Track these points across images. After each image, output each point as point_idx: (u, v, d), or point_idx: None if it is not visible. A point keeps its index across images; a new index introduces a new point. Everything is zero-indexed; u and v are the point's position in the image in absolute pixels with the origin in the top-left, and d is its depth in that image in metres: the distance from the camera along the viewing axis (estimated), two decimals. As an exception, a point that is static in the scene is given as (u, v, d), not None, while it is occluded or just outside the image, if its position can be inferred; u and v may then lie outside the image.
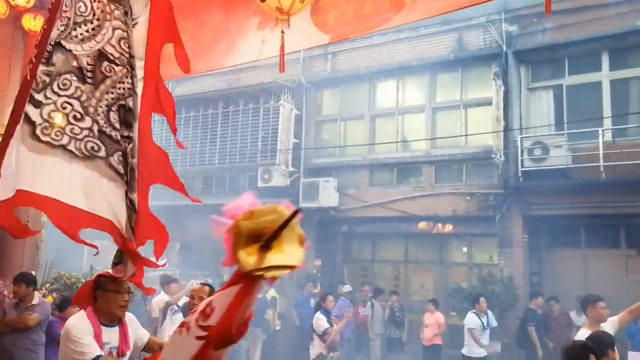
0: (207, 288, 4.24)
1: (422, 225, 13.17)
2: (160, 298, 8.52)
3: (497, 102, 11.69)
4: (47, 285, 7.97)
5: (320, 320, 8.45)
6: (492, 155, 11.45)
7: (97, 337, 3.25)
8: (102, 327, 3.32)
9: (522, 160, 11.26)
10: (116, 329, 3.42)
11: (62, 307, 6.83)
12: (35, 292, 6.36)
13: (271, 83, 14.43)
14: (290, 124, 14.42)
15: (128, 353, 3.44)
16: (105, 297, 3.35)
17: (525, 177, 11.37)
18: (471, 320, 9.67)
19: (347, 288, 11.57)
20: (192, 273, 13.70)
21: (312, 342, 8.53)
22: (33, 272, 7.00)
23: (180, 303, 7.95)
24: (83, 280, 8.60)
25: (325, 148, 14.53)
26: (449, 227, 12.96)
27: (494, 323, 10.52)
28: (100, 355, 3.16)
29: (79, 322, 3.32)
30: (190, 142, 15.99)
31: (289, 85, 14.51)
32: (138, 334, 3.62)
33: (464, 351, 9.62)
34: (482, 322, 9.65)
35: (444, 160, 12.82)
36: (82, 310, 3.44)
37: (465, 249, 13.11)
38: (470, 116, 12.85)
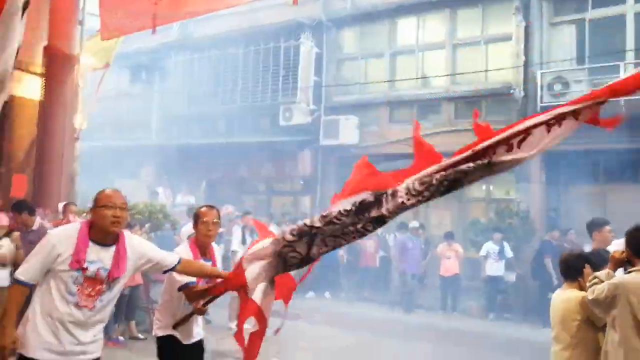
0: (214, 211, 4.06)
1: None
2: (189, 227, 8.98)
3: (517, 38, 11.66)
4: (84, 215, 8.43)
5: None
6: (512, 91, 11.52)
7: (79, 252, 3.08)
8: (91, 244, 3.13)
9: (541, 96, 11.29)
10: (111, 250, 3.20)
11: None
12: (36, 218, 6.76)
13: (291, 21, 14.45)
14: (311, 63, 14.52)
15: (120, 279, 3.23)
16: (96, 212, 3.18)
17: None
18: (488, 246, 10.84)
19: (414, 224, 11.81)
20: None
21: None
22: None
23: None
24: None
25: (345, 86, 14.62)
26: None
27: (510, 254, 10.92)
28: (25, 283, 3.09)
29: (56, 234, 3.21)
30: (212, 81, 16.20)
31: (309, 24, 14.53)
32: (147, 258, 3.40)
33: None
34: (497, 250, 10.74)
35: (464, 97, 12.88)
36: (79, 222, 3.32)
37: (483, 185, 13.32)
38: (490, 52, 12.82)
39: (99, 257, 3.14)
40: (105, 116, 17.49)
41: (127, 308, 8.15)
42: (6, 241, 6.61)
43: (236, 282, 3.40)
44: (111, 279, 3.17)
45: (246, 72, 15.53)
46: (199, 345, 4.07)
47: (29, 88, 8.96)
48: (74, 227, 3.22)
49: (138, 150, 16.67)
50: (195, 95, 16.57)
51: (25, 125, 8.83)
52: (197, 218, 4.04)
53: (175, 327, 3.85)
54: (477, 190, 13.50)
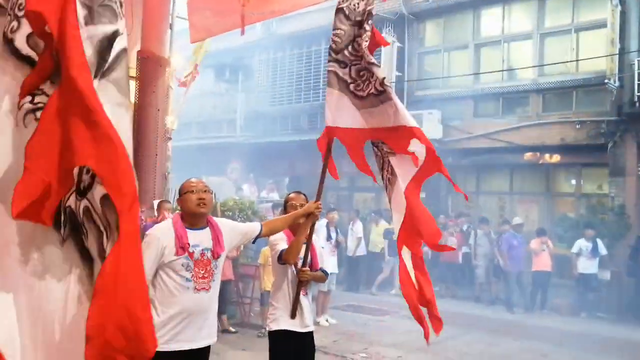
0: (302, 196, 4.27)
1: (528, 155, 12.94)
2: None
3: (612, 24, 11.06)
4: (177, 211, 8.79)
5: None
6: (605, 81, 10.96)
7: (180, 238, 3.27)
8: (187, 230, 3.33)
9: (638, 85, 10.69)
10: (206, 231, 3.42)
11: None
12: None
13: (373, 16, 14.40)
14: (393, 57, 14.40)
15: (223, 254, 3.45)
16: (182, 200, 3.42)
17: (642, 103, 10.81)
18: (580, 243, 10.42)
19: (517, 220, 11.52)
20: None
21: None
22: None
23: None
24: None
25: (428, 80, 14.43)
26: (556, 157, 12.65)
27: (604, 251, 10.44)
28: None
29: (156, 230, 3.42)
30: (295, 79, 16.44)
31: (391, 18, 14.43)
32: (237, 231, 3.63)
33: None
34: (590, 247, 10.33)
35: (553, 88, 12.40)
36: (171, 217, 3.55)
37: (573, 179, 12.81)
38: (582, 40, 12.25)
39: (199, 240, 3.35)
40: (192, 115, 18.18)
41: (219, 302, 8.41)
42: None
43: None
44: (216, 257, 3.39)
45: (328, 69, 15.61)
46: (311, 339, 4.13)
47: (125, 91, 9.41)
48: (168, 221, 3.46)
49: (224, 148, 17.19)
50: (278, 92, 16.88)
51: (122, 126, 9.29)
52: (285, 203, 4.25)
53: (293, 315, 3.95)
54: (565, 185, 13.02)
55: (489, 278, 11.88)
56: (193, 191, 3.37)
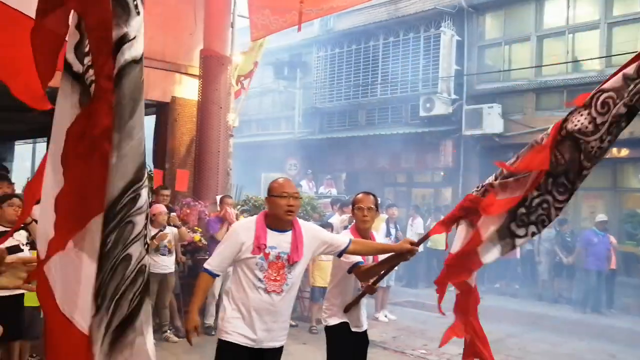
0: (371, 197, 4.05)
1: (594, 150, 12.48)
2: (339, 217, 9.31)
3: (685, 11, 10.55)
4: (238, 207, 8.97)
5: None
6: (679, 71, 10.43)
7: (259, 239, 3.26)
8: (269, 230, 3.30)
9: None
10: (287, 235, 3.35)
11: None
12: None
13: (431, 10, 14.27)
14: (452, 51, 14.21)
15: (299, 262, 3.36)
16: (270, 202, 3.35)
17: None
18: None
19: (601, 217, 11.03)
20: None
21: None
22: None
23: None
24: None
25: (488, 73, 14.14)
26: (624, 151, 12.18)
27: None
28: (211, 273, 3.38)
29: (238, 225, 3.48)
30: (352, 75, 16.44)
31: (450, 11, 14.23)
32: (321, 239, 3.52)
33: None
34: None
35: (621, 80, 11.90)
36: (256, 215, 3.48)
37: (640, 174, 12.32)
38: (653, 29, 11.72)
39: (278, 243, 3.31)
40: (251, 112, 18.47)
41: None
42: (170, 230, 7.19)
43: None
44: (291, 263, 3.33)
45: (386, 64, 15.56)
46: (365, 336, 4.09)
47: (188, 89, 9.68)
48: (252, 218, 3.43)
49: (282, 145, 17.38)
50: (336, 89, 16.92)
51: (185, 123, 9.57)
52: (353, 204, 4.12)
53: (346, 309, 3.91)
54: (634, 179, 12.52)
55: (551, 275, 11.57)
56: (284, 196, 3.30)
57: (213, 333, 7.57)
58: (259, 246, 3.27)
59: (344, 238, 3.64)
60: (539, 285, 11.74)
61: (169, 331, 7.22)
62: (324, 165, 16.84)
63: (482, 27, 14.59)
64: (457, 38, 14.27)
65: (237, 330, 3.30)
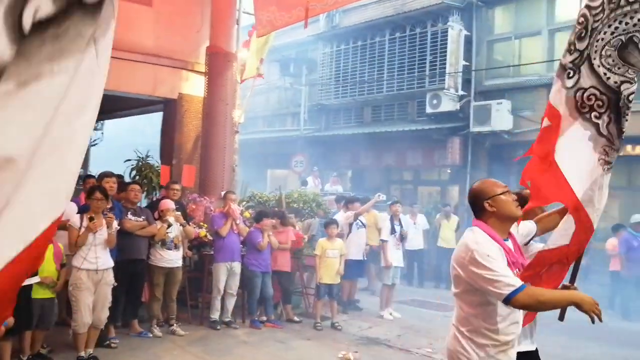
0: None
1: (606, 146, 12.28)
2: (344, 214, 9.24)
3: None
4: (244, 203, 8.89)
5: None
6: (693, 66, 10.22)
7: (509, 252, 2.83)
8: (504, 243, 2.86)
9: None
10: (509, 241, 2.94)
11: (259, 219, 7.83)
12: None
13: (439, 5, 14.09)
14: (460, 46, 14.02)
15: (525, 264, 2.99)
16: (497, 202, 2.87)
17: None
18: None
19: (636, 218, 10.45)
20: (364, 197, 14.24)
21: None
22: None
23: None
24: (273, 199, 9.51)
25: (497, 69, 13.94)
26: (639, 149, 11.99)
27: None
28: (522, 286, 2.63)
29: (484, 240, 2.80)
30: (358, 71, 16.31)
31: (458, 5, 14.04)
32: (520, 235, 3.22)
33: None
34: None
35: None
36: (476, 229, 2.88)
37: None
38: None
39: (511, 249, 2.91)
40: (257, 109, 18.38)
41: (284, 292, 8.48)
42: (177, 225, 7.20)
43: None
44: (521, 268, 2.95)
45: (392, 60, 15.42)
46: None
47: (194, 85, 9.64)
48: (479, 231, 2.86)
49: (288, 141, 17.28)
50: (342, 85, 16.80)
51: (192, 119, 9.53)
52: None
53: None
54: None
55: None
56: (508, 191, 2.92)
57: (219, 327, 7.54)
58: (514, 261, 2.84)
59: (530, 223, 3.40)
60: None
61: (175, 324, 7.32)
62: (330, 162, 16.73)
63: (492, 21, 14.39)
64: (465, 33, 14.08)
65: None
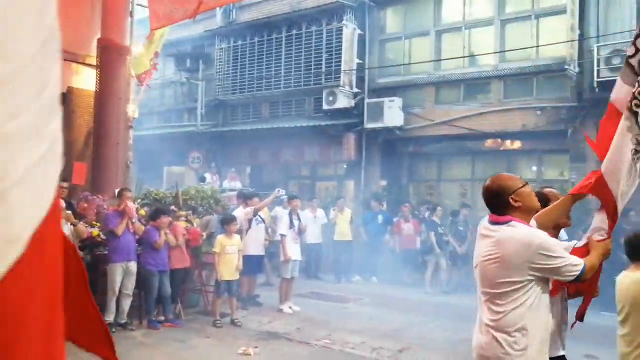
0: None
1: (489, 142, 13.12)
2: (243, 210, 9.20)
3: (572, 10, 11.21)
4: (139, 200, 8.63)
5: None
6: (566, 67, 11.13)
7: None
8: None
9: (598, 71, 10.74)
10: None
11: (155, 217, 7.64)
12: None
13: (333, 3, 14.35)
14: (353, 45, 14.38)
15: None
16: (521, 196, 2.92)
17: (602, 88, 10.78)
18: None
19: None
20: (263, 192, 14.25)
21: None
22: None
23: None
24: (170, 197, 9.31)
25: (389, 67, 14.44)
26: (517, 143, 12.88)
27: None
28: (584, 263, 2.81)
29: (541, 233, 2.85)
30: (256, 67, 16.28)
31: (351, 5, 14.39)
32: None
33: None
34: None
35: (514, 75, 12.52)
36: (515, 223, 2.86)
37: (534, 165, 13.04)
38: (542, 27, 12.35)
39: None
40: (152, 104, 17.85)
41: (172, 289, 8.15)
42: (67, 227, 6.91)
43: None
44: None
45: (289, 57, 15.52)
46: None
47: (85, 79, 9.23)
48: (523, 225, 2.88)
49: (185, 137, 16.94)
50: (239, 81, 16.69)
51: (83, 114, 9.13)
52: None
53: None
54: (527, 171, 13.17)
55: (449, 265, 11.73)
56: (527, 183, 2.99)
57: (114, 330, 7.31)
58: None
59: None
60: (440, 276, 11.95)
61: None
62: (228, 158, 16.60)
63: (383, 21, 14.89)
64: (358, 32, 14.46)
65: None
